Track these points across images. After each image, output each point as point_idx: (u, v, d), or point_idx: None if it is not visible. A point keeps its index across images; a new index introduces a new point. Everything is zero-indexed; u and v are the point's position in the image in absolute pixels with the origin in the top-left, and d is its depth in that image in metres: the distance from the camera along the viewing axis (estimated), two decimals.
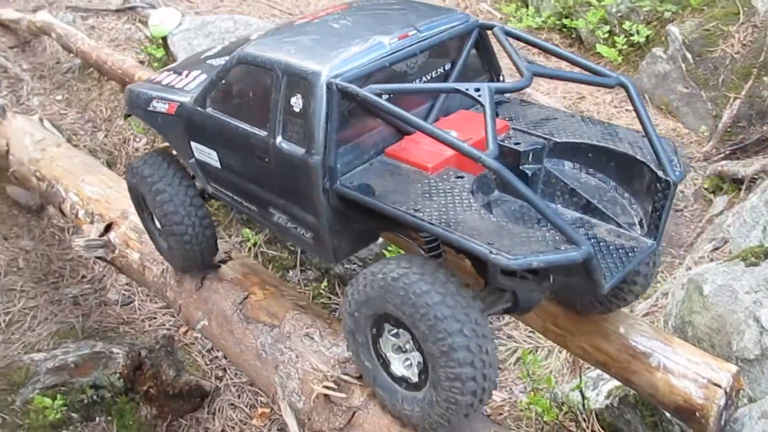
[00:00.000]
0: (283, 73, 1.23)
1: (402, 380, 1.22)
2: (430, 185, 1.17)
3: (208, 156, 1.47)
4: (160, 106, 1.57)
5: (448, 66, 1.34)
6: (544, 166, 1.22)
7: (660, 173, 1.12)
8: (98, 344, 2.16)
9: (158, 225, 1.58)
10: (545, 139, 1.25)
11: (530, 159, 1.22)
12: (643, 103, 1.15)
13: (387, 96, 1.19)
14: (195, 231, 1.52)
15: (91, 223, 1.85)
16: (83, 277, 2.39)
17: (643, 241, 1.13)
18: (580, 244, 1.00)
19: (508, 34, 1.32)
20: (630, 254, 1.12)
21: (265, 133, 1.28)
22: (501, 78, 1.44)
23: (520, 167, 1.22)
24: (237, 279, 1.66)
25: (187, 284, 1.67)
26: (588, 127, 1.29)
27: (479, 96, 1.11)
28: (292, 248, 2.51)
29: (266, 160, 1.30)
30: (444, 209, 1.13)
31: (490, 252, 1.04)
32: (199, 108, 1.46)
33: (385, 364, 1.24)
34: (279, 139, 1.26)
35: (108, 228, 1.81)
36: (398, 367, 1.22)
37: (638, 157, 1.19)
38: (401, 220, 1.14)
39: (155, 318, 2.34)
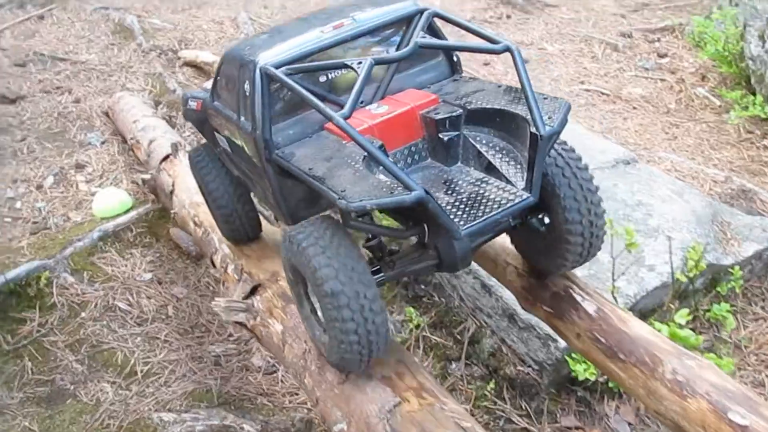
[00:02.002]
0: (241, 64, 1.42)
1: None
2: (338, 150, 1.30)
3: (224, 143, 1.66)
4: (192, 104, 1.79)
5: (392, 51, 1.45)
6: (462, 133, 1.32)
7: (533, 129, 1.19)
8: (230, 416, 1.99)
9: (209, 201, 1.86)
10: (463, 108, 1.35)
11: (447, 126, 1.31)
12: (524, 66, 1.25)
13: (326, 78, 1.41)
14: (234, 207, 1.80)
15: (238, 281, 1.65)
16: (230, 335, 2.24)
17: (520, 194, 1.22)
18: (412, 189, 1.10)
19: (436, 15, 1.44)
20: (501, 205, 1.21)
21: (236, 115, 1.48)
22: (457, 63, 1.56)
23: (438, 135, 1.32)
24: (389, 378, 1.38)
25: (330, 374, 1.42)
26: (504, 95, 1.39)
27: (359, 67, 1.23)
28: (458, 336, 2.21)
29: (239, 140, 1.51)
30: (331, 167, 1.26)
31: (338, 198, 1.16)
32: (212, 102, 1.64)
33: (314, 310, 1.41)
34: (242, 119, 1.45)
35: (254, 290, 1.61)
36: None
37: (522, 115, 1.27)
38: (298, 177, 1.30)
39: (297, 395, 2.13)
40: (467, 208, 1.22)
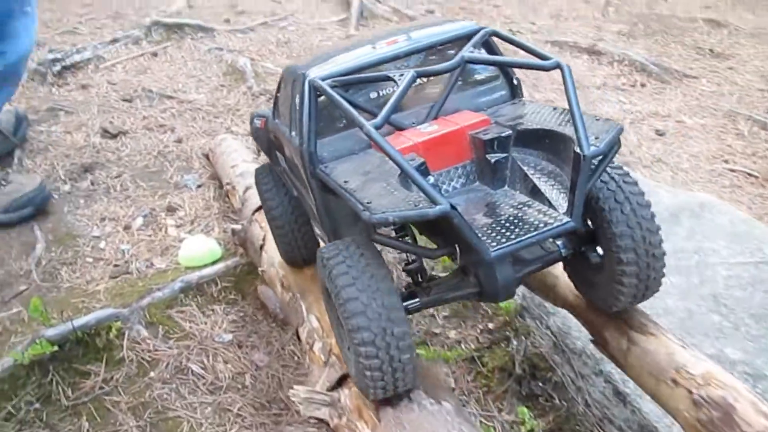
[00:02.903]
0: (294, 78, 1.40)
1: None
2: (379, 166, 1.26)
3: (282, 161, 1.65)
4: (257, 123, 1.79)
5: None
6: (510, 155, 1.25)
7: (576, 149, 1.08)
8: None
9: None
10: (513, 129, 1.28)
11: (495, 148, 1.24)
12: (573, 85, 1.16)
13: (377, 95, 1.37)
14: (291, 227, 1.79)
15: (325, 364, 1.38)
16: (310, 418, 1.94)
17: (560, 218, 1.12)
18: (438, 202, 1.04)
19: (494, 34, 1.39)
20: (537, 228, 1.12)
21: (288, 130, 1.46)
22: (517, 83, 1.48)
23: (486, 156, 1.25)
24: None
25: None
26: (558, 117, 1.30)
27: (400, 78, 1.20)
28: None
29: (290, 153, 1.49)
30: (366, 181, 1.22)
31: (362, 209, 1.12)
32: (273, 119, 1.64)
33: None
34: (292, 134, 1.42)
35: (341, 381, 1.32)
36: None
37: (569, 135, 1.17)
38: (334, 190, 1.26)
39: None
40: (502, 230, 1.15)
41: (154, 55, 3.76)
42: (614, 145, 1.16)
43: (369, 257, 1.21)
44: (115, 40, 3.78)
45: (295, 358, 2.14)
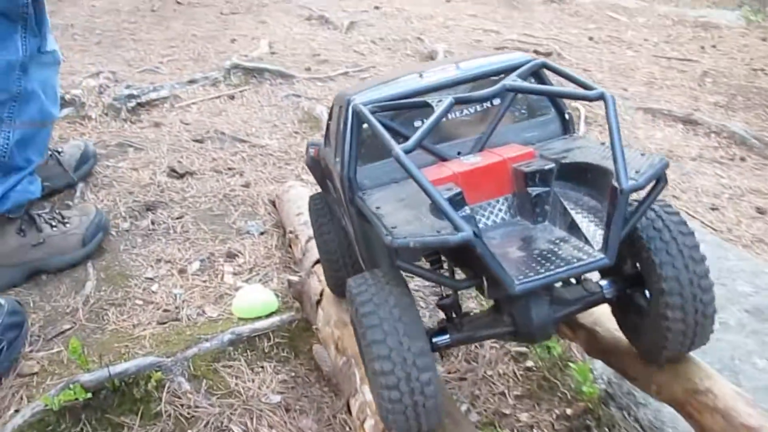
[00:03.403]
0: (340, 105, 1.38)
1: None
2: (415, 194, 1.17)
3: (332, 190, 1.61)
4: (311, 151, 1.75)
5: (497, 101, 1.38)
6: (552, 190, 1.20)
7: (614, 183, 1.04)
8: None
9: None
10: (556, 162, 1.23)
11: (537, 181, 1.19)
12: (617, 116, 1.10)
13: (422, 124, 1.24)
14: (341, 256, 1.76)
15: None
16: None
17: (595, 255, 1.06)
18: (461, 229, 1.00)
19: (545, 66, 1.35)
20: (568, 263, 1.06)
21: (333, 155, 1.46)
22: (569, 118, 1.43)
23: (527, 189, 1.21)
24: None
25: None
26: (604, 151, 1.22)
27: (438, 104, 1.18)
28: None
29: (332, 180, 1.49)
30: (398, 208, 1.20)
31: (386, 234, 1.09)
32: (324, 147, 1.63)
33: None
34: (336, 159, 1.40)
35: None
36: None
37: (610, 168, 1.12)
38: (367, 217, 1.24)
39: None
40: (532, 264, 1.10)
41: (231, 97, 3.71)
42: (659, 181, 1.10)
43: (398, 294, 1.16)
44: (192, 81, 3.75)
45: (347, 429, 1.94)
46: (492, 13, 5.97)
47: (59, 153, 2.77)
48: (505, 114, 1.38)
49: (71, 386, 1.85)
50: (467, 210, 1.09)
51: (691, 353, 1.18)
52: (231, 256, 2.53)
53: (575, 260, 1.07)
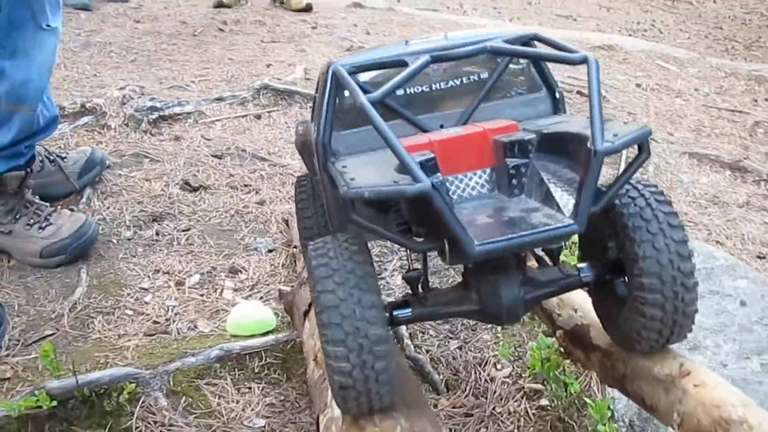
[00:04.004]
0: (323, 71, 1.30)
1: None
2: (385, 159, 1.11)
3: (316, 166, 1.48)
4: (300, 129, 1.71)
5: (484, 74, 1.33)
6: (531, 161, 1.13)
7: (589, 145, 0.99)
8: None
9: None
10: (537, 134, 1.18)
11: (516, 152, 1.13)
12: (599, 81, 1.04)
13: (403, 92, 1.30)
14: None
15: None
16: None
17: (564, 221, 1.00)
18: (419, 181, 0.95)
19: (536, 38, 1.28)
20: (534, 228, 1.00)
21: (313, 125, 1.41)
22: (560, 97, 1.38)
23: (506, 159, 1.14)
24: None
25: None
26: (584, 122, 1.15)
27: (414, 61, 1.13)
28: None
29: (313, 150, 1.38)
30: (364, 168, 1.13)
31: (343, 185, 1.04)
32: (310, 123, 1.59)
33: None
34: (313, 126, 1.37)
35: None
36: None
37: (584, 133, 1.07)
38: (332, 177, 1.18)
39: None
40: (497, 229, 1.04)
41: (258, 117, 3.60)
42: (642, 152, 1.04)
43: (357, 260, 1.09)
44: (220, 99, 3.66)
45: None
46: None
47: (62, 159, 2.67)
48: (494, 91, 1.33)
49: (36, 392, 1.70)
50: (439, 177, 1.00)
51: (724, 381, 0.99)
52: (234, 271, 2.38)
53: (542, 225, 1.01)
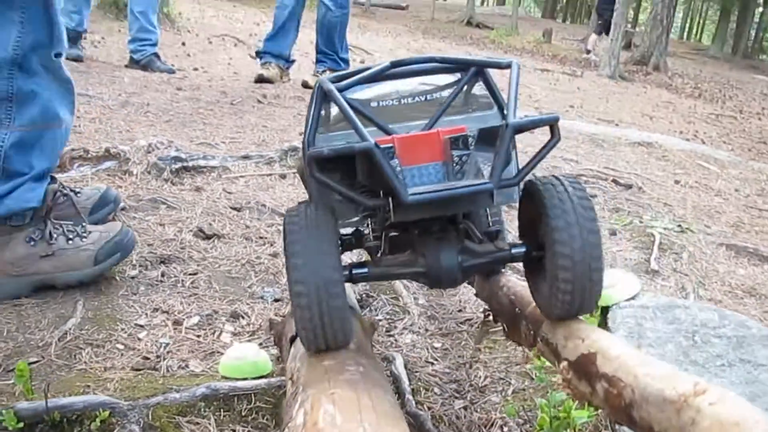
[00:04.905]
0: (315, 87, 1.45)
1: None
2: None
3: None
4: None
5: (446, 93, 1.51)
6: (472, 152, 1.29)
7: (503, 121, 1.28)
8: None
9: None
10: (478, 131, 1.35)
11: (460, 144, 1.29)
12: (518, 79, 1.33)
13: (377, 105, 1.46)
14: None
15: None
16: None
17: (482, 181, 1.23)
18: (365, 140, 1.18)
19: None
20: (455, 185, 1.23)
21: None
22: (506, 109, 1.45)
23: (452, 152, 1.31)
24: None
25: None
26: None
27: (378, 65, 1.45)
28: None
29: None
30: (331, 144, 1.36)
31: (308, 147, 1.31)
32: None
33: None
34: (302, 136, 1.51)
35: None
36: None
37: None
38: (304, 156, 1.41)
39: None
40: (428, 188, 1.24)
41: (282, 176, 3.57)
42: (553, 136, 1.26)
43: (323, 226, 1.29)
44: (246, 157, 3.64)
45: None
46: (574, 147, 5.77)
47: (75, 194, 2.63)
48: (454, 108, 1.48)
49: (3, 412, 1.59)
50: (396, 162, 1.22)
51: (744, 400, 0.86)
52: (235, 316, 2.27)
53: (464, 185, 1.21)
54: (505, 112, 1.50)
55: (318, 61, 6.61)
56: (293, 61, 6.80)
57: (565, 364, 1.16)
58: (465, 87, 1.49)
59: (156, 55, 6.64)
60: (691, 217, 4.35)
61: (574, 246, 1.26)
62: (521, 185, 1.40)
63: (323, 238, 1.27)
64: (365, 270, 1.44)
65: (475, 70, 1.49)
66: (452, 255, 1.37)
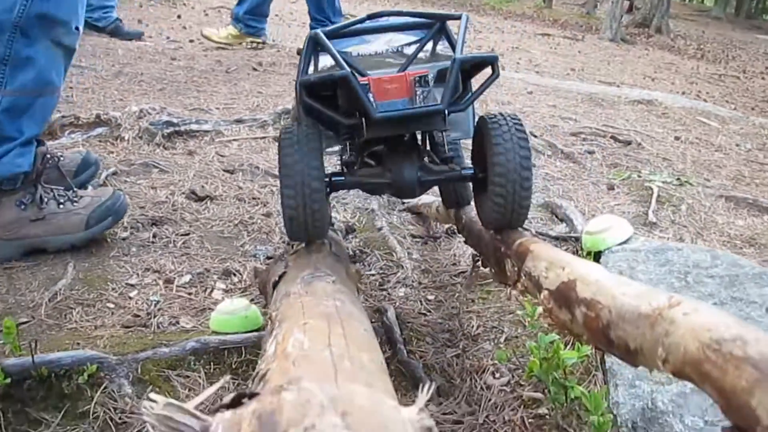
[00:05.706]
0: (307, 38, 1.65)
1: None
2: None
3: None
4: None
5: (416, 46, 1.66)
6: (431, 88, 1.47)
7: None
8: None
9: None
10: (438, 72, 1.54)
11: (422, 83, 1.46)
12: (466, 29, 1.53)
13: (358, 54, 1.65)
14: None
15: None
16: None
17: (435, 103, 1.43)
18: (342, 69, 1.38)
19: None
20: (416, 107, 1.44)
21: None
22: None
23: (415, 89, 1.48)
24: None
25: None
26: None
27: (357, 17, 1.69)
28: None
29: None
30: None
31: (299, 77, 1.57)
32: None
33: None
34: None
35: (238, 401, 0.76)
36: None
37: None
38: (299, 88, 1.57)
39: None
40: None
41: (276, 139, 3.52)
42: (494, 72, 1.48)
43: (311, 140, 1.48)
44: (239, 121, 3.60)
45: None
46: (573, 107, 5.71)
47: (60, 158, 2.60)
48: (421, 59, 1.62)
49: None
50: (371, 96, 1.40)
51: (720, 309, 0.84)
52: (227, 273, 2.26)
53: (421, 105, 1.43)
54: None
55: (311, 28, 6.55)
56: (262, 28, 6.70)
57: (545, 293, 1.14)
58: (430, 41, 1.66)
59: (119, 20, 6.55)
60: (690, 171, 4.31)
61: (509, 167, 1.48)
62: (474, 123, 1.66)
63: (310, 152, 1.47)
64: (343, 178, 1.65)
65: (438, 26, 1.66)
66: (413, 170, 1.58)
